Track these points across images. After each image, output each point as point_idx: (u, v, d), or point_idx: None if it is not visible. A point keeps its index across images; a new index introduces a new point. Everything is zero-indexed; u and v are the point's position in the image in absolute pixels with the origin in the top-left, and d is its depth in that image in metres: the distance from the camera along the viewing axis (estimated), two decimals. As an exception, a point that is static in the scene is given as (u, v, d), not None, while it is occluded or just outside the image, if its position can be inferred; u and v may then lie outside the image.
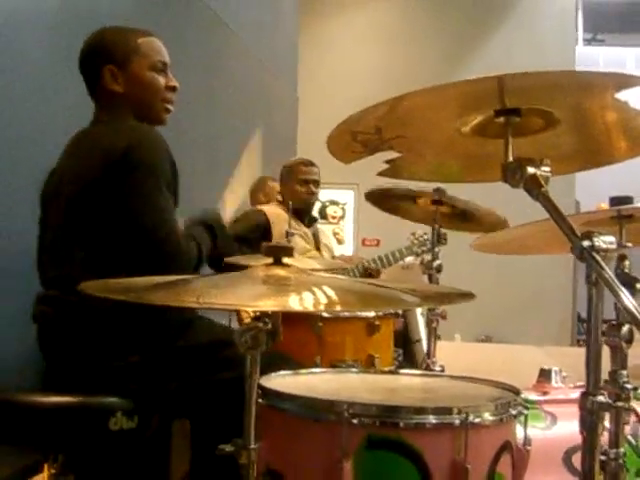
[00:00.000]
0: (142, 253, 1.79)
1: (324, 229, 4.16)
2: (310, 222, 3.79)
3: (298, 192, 3.67)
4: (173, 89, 2.09)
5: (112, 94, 2.02)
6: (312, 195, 3.72)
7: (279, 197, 3.82)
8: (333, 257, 3.89)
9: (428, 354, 2.39)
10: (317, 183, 3.74)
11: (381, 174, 1.51)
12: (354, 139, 1.30)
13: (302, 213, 3.68)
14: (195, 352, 1.86)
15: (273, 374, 1.38)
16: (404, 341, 3.08)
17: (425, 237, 3.58)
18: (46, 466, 1.75)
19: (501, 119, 1.22)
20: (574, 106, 1.24)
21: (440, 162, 1.51)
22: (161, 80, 2.06)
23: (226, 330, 2.05)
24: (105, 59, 2.02)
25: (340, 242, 9.22)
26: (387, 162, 1.43)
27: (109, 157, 1.83)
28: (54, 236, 1.92)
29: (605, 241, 1.07)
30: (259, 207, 3.80)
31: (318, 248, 3.76)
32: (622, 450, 1.19)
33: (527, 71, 1.07)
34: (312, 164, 3.76)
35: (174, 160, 1.90)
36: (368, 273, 3.67)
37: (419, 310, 3.50)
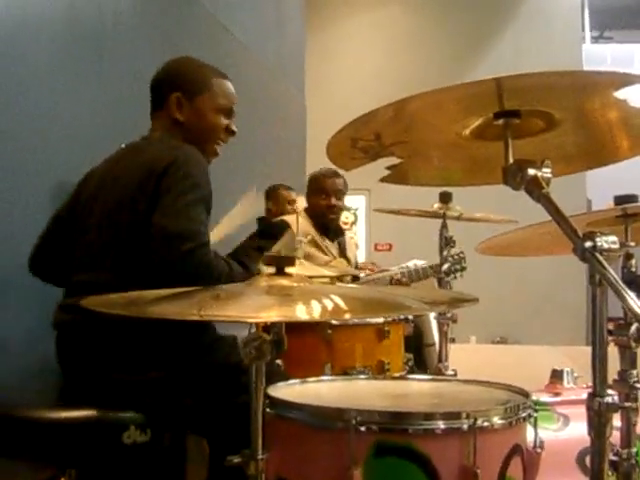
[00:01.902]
0: (169, 263, 1.75)
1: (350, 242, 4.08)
2: (335, 234, 3.72)
3: (318, 204, 3.63)
4: (231, 133, 2.13)
5: (172, 121, 2.06)
6: (332, 207, 3.61)
7: (297, 206, 3.76)
8: (356, 266, 3.83)
9: (440, 358, 2.38)
10: (340, 193, 3.65)
11: (384, 180, 1.51)
12: (354, 146, 1.30)
13: (325, 225, 3.63)
14: (218, 372, 1.85)
15: (280, 383, 1.38)
16: (415, 346, 3.06)
17: (461, 255, 3.40)
18: (61, 481, 1.76)
19: (500, 121, 1.21)
20: (574, 106, 1.23)
21: (443, 166, 1.51)
22: (223, 121, 2.10)
23: None
24: (176, 86, 2.07)
25: (353, 247, 9.20)
26: (388, 168, 1.43)
27: (152, 171, 1.85)
28: (88, 241, 1.93)
29: (608, 241, 1.06)
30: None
31: (345, 257, 3.70)
32: (634, 450, 1.19)
33: (525, 72, 1.07)
34: (336, 175, 3.64)
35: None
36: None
37: (432, 314, 3.49)
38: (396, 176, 1.50)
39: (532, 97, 1.18)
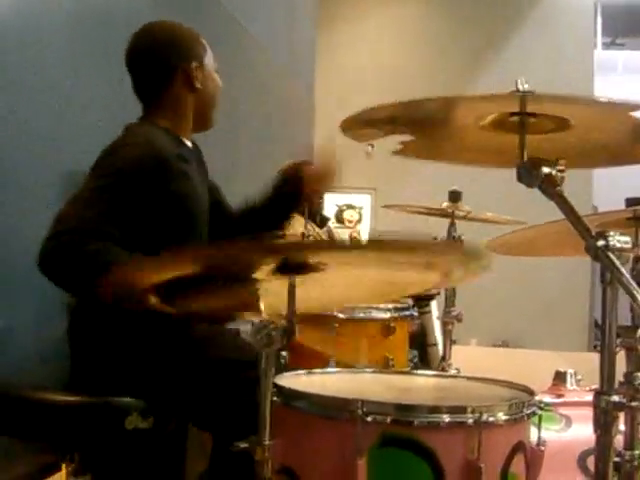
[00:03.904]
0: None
1: (339, 232, 4.13)
2: (322, 222, 3.77)
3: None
4: None
5: (183, 96, 1.93)
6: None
7: None
8: None
9: (444, 357, 2.38)
10: None
11: (396, 153, 1.49)
12: (369, 125, 1.30)
13: (312, 212, 3.65)
14: (218, 367, 1.81)
15: (287, 373, 1.38)
16: (420, 343, 3.07)
17: None
18: (63, 465, 1.77)
19: (515, 119, 1.21)
20: (592, 120, 1.23)
21: (455, 147, 1.49)
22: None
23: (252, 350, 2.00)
24: (185, 56, 1.93)
25: (358, 246, 9.17)
26: (402, 143, 1.41)
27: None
28: None
29: (620, 241, 1.06)
30: None
31: None
32: (637, 452, 1.19)
33: (547, 93, 1.07)
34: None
35: (154, 166, 1.78)
36: None
37: (435, 314, 3.50)
38: (407, 151, 1.48)
39: (552, 107, 1.18)
